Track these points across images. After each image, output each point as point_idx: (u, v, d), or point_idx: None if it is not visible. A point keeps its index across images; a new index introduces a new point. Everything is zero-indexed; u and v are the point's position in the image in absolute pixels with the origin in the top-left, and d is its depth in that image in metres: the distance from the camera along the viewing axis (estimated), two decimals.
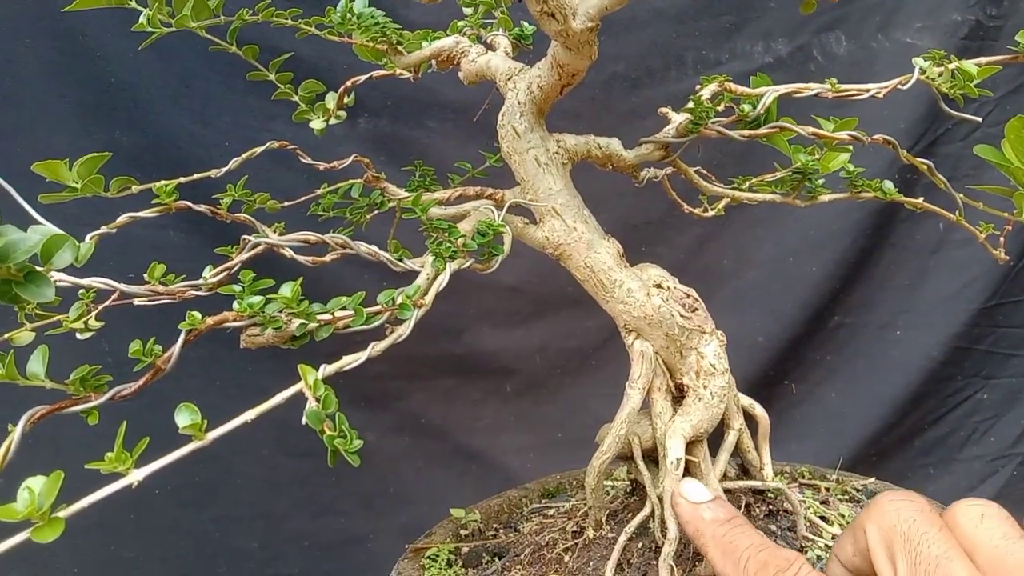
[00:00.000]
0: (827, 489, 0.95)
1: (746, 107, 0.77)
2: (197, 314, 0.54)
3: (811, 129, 0.77)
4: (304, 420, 0.50)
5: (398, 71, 0.87)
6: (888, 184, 0.84)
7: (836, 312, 1.69)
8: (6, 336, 0.64)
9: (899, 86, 0.75)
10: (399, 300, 0.59)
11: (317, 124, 0.87)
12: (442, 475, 1.64)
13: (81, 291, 0.61)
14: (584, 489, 0.81)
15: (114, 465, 0.45)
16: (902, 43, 1.55)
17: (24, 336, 0.63)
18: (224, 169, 0.80)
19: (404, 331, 0.59)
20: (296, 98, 0.86)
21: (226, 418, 0.48)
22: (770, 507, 0.81)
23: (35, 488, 0.41)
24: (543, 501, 1.01)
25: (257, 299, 0.56)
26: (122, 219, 0.69)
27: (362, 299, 0.58)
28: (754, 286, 1.65)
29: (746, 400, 0.83)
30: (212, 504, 1.55)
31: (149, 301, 0.60)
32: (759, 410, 0.84)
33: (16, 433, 0.45)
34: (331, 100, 0.87)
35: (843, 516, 0.87)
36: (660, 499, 0.75)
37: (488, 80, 0.80)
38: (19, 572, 1.46)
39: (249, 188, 0.82)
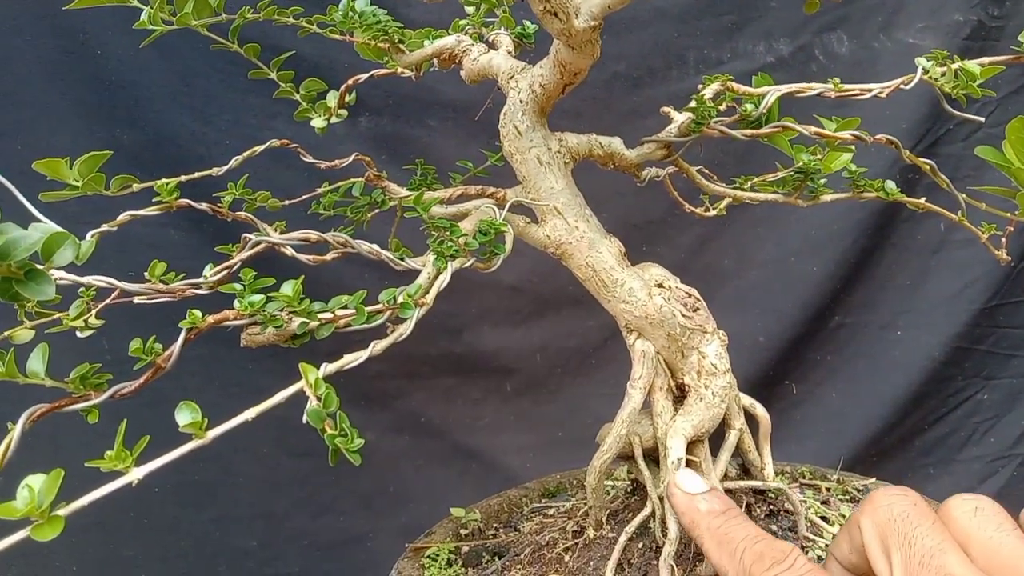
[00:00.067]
0: (828, 489, 0.95)
1: (748, 106, 0.77)
2: (197, 312, 0.54)
3: (813, 129, 0.77)
4: (305, 419, 0.50)
5: (399, 70, 0.87)
6: (890, 184, 0.84)
7: (837, 312, 1.69)
8: (6, 334, 0.64)
9: (902, 86, 0.74)
10: (400, 299, 0.59)
11: (318, 123, 0.87)
12: (442, 474, 1.64)
13: (81, 289, 0.61)
14: (584, 489, 0.81)
15: (114, 463, 0.45)
16: (904, 43, 1.55)
17: (24, 334, 0.63)
18: (225, 167, 0.80)
19: (405, 330, 0.59)
20: (297, 96, 0.86)
21: (226, 417, 0.48)
22: (771, 507, 0.81)
23: (35, 486, 0.41)
24: (543, 501, 1.01)
25: (258, 298, 0.56)
26: (123, 217, 0.69)
27: (363, 298, 0.58)
28: (755, 286, 1.65)
29: (747, 400, 0.83)
30: (212, 503, 1.55)
31: (149, 299, 0.60)
32: (760, 410, 0.84)
33: (16, 431, 0.45)
34: (332, 99, 0.87)
35: (844, 516, 0.87)
36: (661, 499, 0.75)
37: (490, 79, 0.80)
38: (18, 569, 1.46)
39: (250, 186, 0.82)
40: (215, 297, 0.62)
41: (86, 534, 1.48)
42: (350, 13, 0.76)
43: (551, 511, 0.95)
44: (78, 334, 0.65)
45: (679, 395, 0.79)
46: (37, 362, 0.53)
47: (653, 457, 0.79)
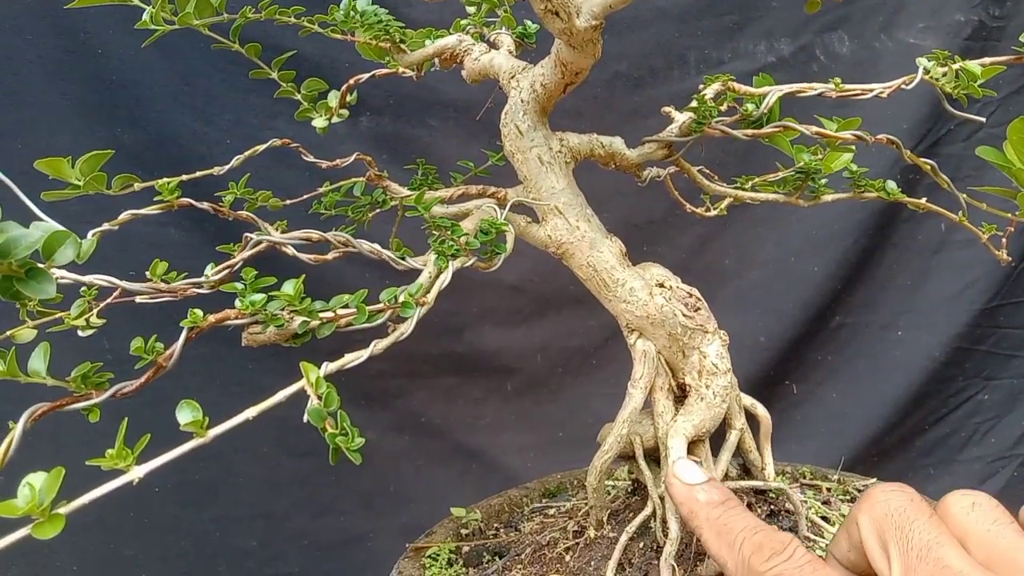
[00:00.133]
0: (828, 489, 0.95)
1: (749, 106, 0.77)
2: (199, 312, 0.54)
3: (815, 129, 0.77)
4: (306, 418, 0.50)
5: (401, 69, 0.87)
6: (891, 184, 0.84)
7: (838, 312, 1.69)
8: (8, 333, 0.64)
9: (903, 86, 0.74)
10: (401, 298, 0.59)
11: (319, 122, 0.87)
12: (443, 474, 1.64)
13: (83, 288, 0.61)
14: (585, 488, 0.81)
15: (115, 462, 0.45)
16: (905, 43, 1.55)
17: (25, 333, 0.63)
18: (226, 167, 0.80)
19: (406, 329, 0.59)
20: (298, 96, 0.86)
21: (227, 416, 0.48)
22: (772, 507, 0.81)
23: (36, 485, 0.41)
24: (544, 500, 1.01)
25: (259, 297, 0.56)
26: (124, 216, 0.69)
27: (364, 297, 0.58)
28: (756, 286, 1.65)
29: (748, 400, 0.83)
30: (212, 503, 1.55)
31: (151, 299, 0.60)
32: (761, 410, 0.84)
33: (17, 430, 0.45)
34: (333, 98, 0.87)
35: (844, 516, 0.87)
36: (662, 499, 0.75)
37: (491, 78, 0.80)
38: (19, 569, 1.46)
39: (251, 186, 0.82)
40: (216, 296, 0.62)
41: (86, 533, 1.48)
42: (351, 13, 0.76)
43: (552, 511, 0.95)
44: (79, 333, 0.65)
45: (680, 395, 0.79)
46: (38, 361, 0.53)
47: (654, 457, 0.79)
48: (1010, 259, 0.88)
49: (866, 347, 1.70)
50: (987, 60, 0.73)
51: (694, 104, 0.78)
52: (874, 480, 0.97)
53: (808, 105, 0.78)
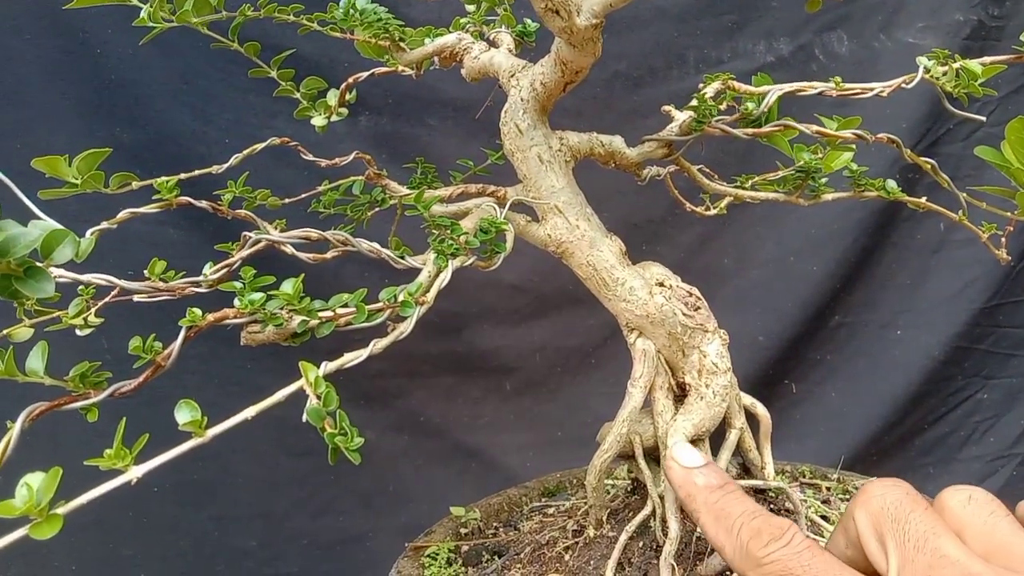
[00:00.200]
0: (828, 488, 0.95)
1: (749, 105, 0.77)
2: (197, 311, 0.53)
3: (814, 128, 0.77)
4: (305, 417, 0.50)
5: (400, 68, 0.87)
6: (891, 183, 0.84)
7: (837, 311, 1.69)
8: (5, 332, 0.63)
9: (903, 85, 0.74)
10: (401, 297, 0.59)
11: (318, 121, 0.86)
12: (442, 473, 1.64)
13: (81, 287, 0.61)
14: (585, 488, 0.81)
15: (113, 462, 0.45)
16: (904, 43, 1.55)
17: (23, 332, 0.63)
18: (225, 165, 0.80)
19: (405, 328, 0.59)
20: (297, 95, 0.86)
21: (225, 416, 0.48)
22: (771, 506, 0.81)
23: (33, 484, 0.41)
24: (543, 500, 1.01)
25: (258, 296, 0.56)
26: (122, 215, 0.69)
27: (364, 296, 0.58)
28: (756, 285, 1.65)
29: (747, 399, 0.83)
30: (211, 503, 1.55)
31: (149, 298, 0.60)
32: (760, 409, 0.84)
33: (15, 429, 0.45)
34: (332, 97, 0.87)
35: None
36: (661, 498, 0.75)
37: (491, 77, 0.80)
38: (17, 569, 1.46)
39: (250, 185, 0.82)
40: (215, 295, 0.62)
41: (85, 533, 1.48)
42: (351, 11, 0.76)
43: (551, 510, 0.95)
44: (77, 332, 0.64)
45: (680, 394, 0.79)
46: (36, 360, 0.53)
47: (654, 456, 0.79)
48: (1009, 258, 0.88)
49: (865, 346, 1.70)
50: (987, 59, 0.73)
51: (694, 103, 0.78)
52: (873, 479, 0.97)
53: (808, 104, 0.78)
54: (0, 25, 1.33)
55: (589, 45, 0.66)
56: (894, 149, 0.80)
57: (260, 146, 0.81)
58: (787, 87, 0.76)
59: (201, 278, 0.63)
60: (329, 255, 0.69)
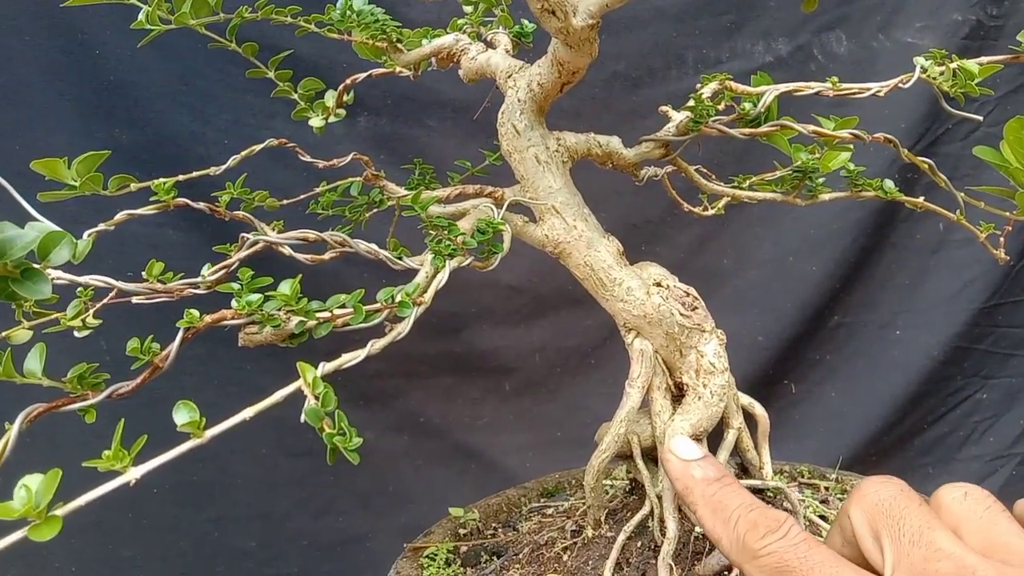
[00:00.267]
0: (826, 488, 0.95)
1: (747, 105, 0.77)
2: (195, 312, 0.53)
3: (812, 128, 0.77)
4: (303, 418, 0.50)
5: (398, 69, 0.87)
6: (889, 183, 0.84)
7: (836, 311, 1.69)
8: (3, 334, 0.64)
9: (900, 85, 0.74)
10: (398, 298, 0.59)
11: (316, 122, 0.87)
12: (441, 474, 1.64)
13: (79, 289, 0.61)
14: (583, 488, 0.81)
15: (112, 463, 0.45)
16: (903, 43, 1.55)
17: (21, 334, 0.63)
18: (223, 167, 0.80)
19: (403, 329, 0.59)
20: (295, 96, 0.86)
21: (224, 416, 0.48)
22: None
23: (32, 486, 0.41)
24: (542, 500, 1.01)
25: (256, 297, 0.56)
26: (120, 216, 0.69)
27: (361, 297, 0.58)
28: (754, 285, 1.65)
29: (745, 399, 0.83)
30: (210, 504, 1.55)
31: (147, 299, 0.60)
32: (759, 409, 0.84)
33: (13, 431, 0.45)
34: (330, 98, 0.87)
35: None
36: (659, 498, 0.75)
37: (488, 78, 0.80)
38: (17, 570, 1.46)
39: (248, 186, 0.82)
40: (213, 296, 0.62)
41: (85, 534, 1.48)
42: (348, 12, 0.76)
43: (550, 511, 0.95)
44: (76, 334, 0.65)
45: (678, 394, 0.79)
46: (34, 362, 0.53)
47: (652, 456, 0.79)
48: (1008, 258, 0.88)
49: (864, 346, 1.70)
50: (984, 59, 0.73)
51: (691, 103, 0.78)
52: (868, 477, 0.97)
53: (806, 104, 0.78)
54: None
55: (586, 46, 0.66)
56: (892, 149, 0.80)
57: (258, 147, 0.81)
58: (784, 87, 0.77)
59: (199, 279, 0.63)
60: (327, 256, 0.69)
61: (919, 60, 0.75)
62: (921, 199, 0.88)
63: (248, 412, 0.49)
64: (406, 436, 1.62)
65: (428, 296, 0.61)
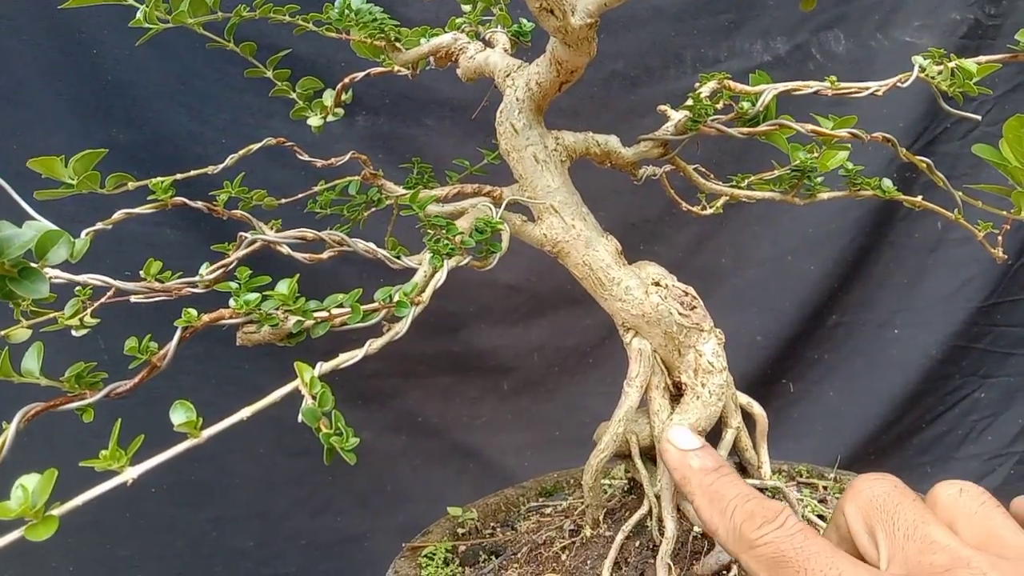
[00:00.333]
0: (825, 488, 0.95)
1: (745, 105, 0.77)
2: (193, 311, 0.53)
3: (810, 127, 0.77)
4: (300, 418, 0.50)
5: (396, 68, 0.87)
6: (887, 182, 0.84)
7: (834, 310, 1.69)
8: (1, 333, 0.63)
9: (898, 84, 0.74)
10: (396, 297, 0.59)
11: (315, 121, 0.86)
12: (439, 473, 1.64)
13: (77, 288, 0.61)
14: (582, 487, 0.81)
15: (109, 463, 0.45)
16: (901, 42, 1.55)
17: (19, 333, 0.63)
18: (221, 166, 0.80)
19: (401, 328, 0.59)
20: (294, 95, 0.86)
21: (221, 416, 0.48)
22: None
23: (29, 486, 0.41)
24: (540, 500, 1.01)
25: (253, 296, 0.56)
26: (118, 215, 0.69)
27: (359, 296, 0.58)
28: (752, 284, 1.65)
29: (744, 398, 0.83)
30: (208, 503, 1.55)
31: (145, 298, 0.60)
32: (757, 408, 0.84)
33: (11, 430, 0.45)
34: (329, 97, 0.87)
35: None
36: (658, 497, 0.75)
37: (486, 77, 0.80)
38: (14, 570, 1.46)
39: (246, 185, 0.82)
40: (211, 296, 0.62)
41: (82, 534, 1.48)
42: (346, 11, 0.76)
43: (548, 510, 0.95)
44: (73, 333, 0.64)
45: (676, 393, 0.79)
46: (32, 361, 0.53)
47: (650, 456, 0.79)
48: (1006, 257, 0.88)
49: (863, 345, 1.70)
50: (983, 58, 0.73)
51: (690, 102, 0.78)
52: (862, 474, 0.97)
53: (804, 103, 0.78)
54: None
55: (584, 44, 0.66)
56: (890, 148, 0.80)
57: (256, 146, 0.81)
58: (782, 86, 0.77)
59: (197, 278, 0.62)
60: (325, 255, 0.69)
61: (917, 59, 0.76)
62: (919, 198, 0.88)
63: (246, 412, 0.49)
64: (404, 436, 1.62)
65: (426, 296, 0.61)
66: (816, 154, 0.80)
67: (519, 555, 0.82)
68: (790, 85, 0.77)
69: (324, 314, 0.57)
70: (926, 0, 1.54)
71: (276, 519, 1.58)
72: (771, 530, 0.46)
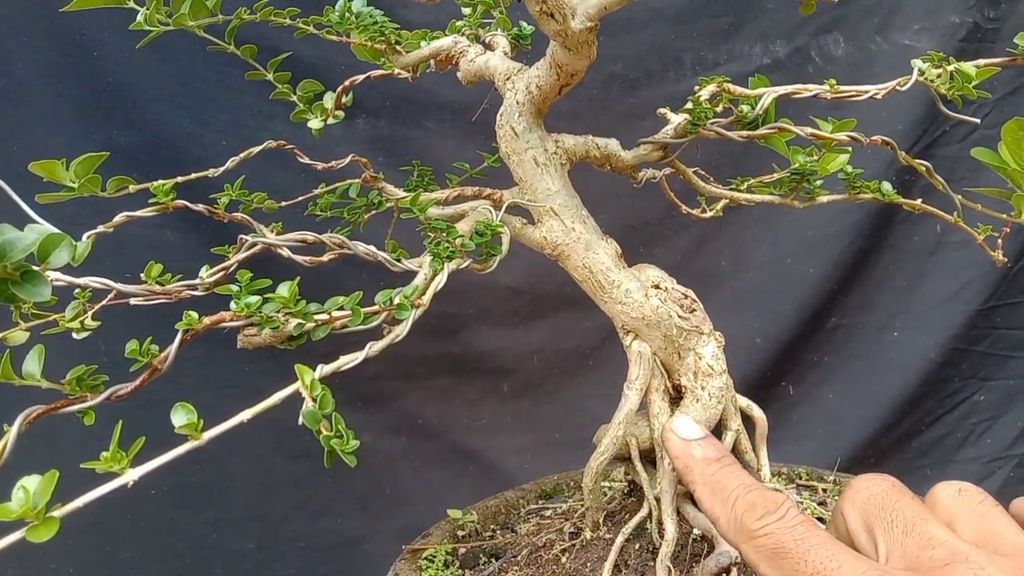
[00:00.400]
0: (824, 490, 0.95)
1: (745, 108, 0.77)
2: (194, 314, 0.53)
3: (810, 130, 0.77)
4: (301, 420, 0.50)
5: (396, 71, 0.87)
6: (886, 185, 0.84)
7: (834, 313, 1.69)
8: (2, 335, 0.63)
9: (898, 87, 0.75)
10: (397, 300, 0.59)
11: (315, 124, 0.87)
12: (439, 476, 1.64)
13: (77, 290, 0.61)
14: (582, 490, 0.81)
15: (110, 465, 0.45)
16: (900, 45, 1.55)
17: (20, 335, 0.63)
18: (222, 168, 0.80)
19: (401, 331, 0.59)
20: (294, 98, 0.86)
21: (222, 418, 0.48)
22: None
23: (30, 487, 0.41)
24: (540, 502, 1.01)
25: (254, 299, 0.56)
26: (119, 218, 0.69)
27: (360, 299, 0.58)
28: (752, 287, 1.65)
29: (744, 401, 0.83)
30: (208, 505, 1.55)
31: (146, 301, 0.60)
32: (757, 411, 0.84)
33: (12, 433, 0.45)
34: (329, 100, 0.87)
35: None
36: (658, 500, 0.75)
37: (486, 80, 0.80)
38: (14, 572, 1.46)
39: (247, 188, 0.82)
40: (211, 298, 0.62)
41: (82, 535, 1.48)
42: (347, 14, 0.76)
43: (548, 512, 0.95)
44: (74, 335, 0.64)
45: (676, 396, 0.79)
46: (33, 364, 0.53)
47: (650, 458, 0.79)
48: (1006, 260, 0.88)
49: (862, 348, 1.70)
50: (982, 61, 0.74)
51: (689, 106, 0.79)
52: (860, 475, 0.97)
53: (803, 106, 0.78)
54: None
55: (584, 48, 0.67)
56: (889, 151, 0.80)
57: (257, 149, 0.81)
58: (782, 90, 0.77)
59: (198, 281, 0.63)
60: (325, 258, 0.69)
61: (917, 63, 0.76)
62: (919, 201, 0.88)
63: (246, 414, 0.49)
64: (404, 438, 1.62)
65: (427, 298, 0.61)
66: (815, 157, 0.81)
67: (519, 557, 0.82)
68: (789, 88, 0.77)
69: (325, 317, 0.57)
70: (925, 3, 1.54)
71: (276, 521, 1.58)
72: (772, 521, 0.47)
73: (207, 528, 1.55)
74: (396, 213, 0.89)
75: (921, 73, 0.75)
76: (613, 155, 0.82)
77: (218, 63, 1.38)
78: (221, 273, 0.64)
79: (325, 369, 0.53)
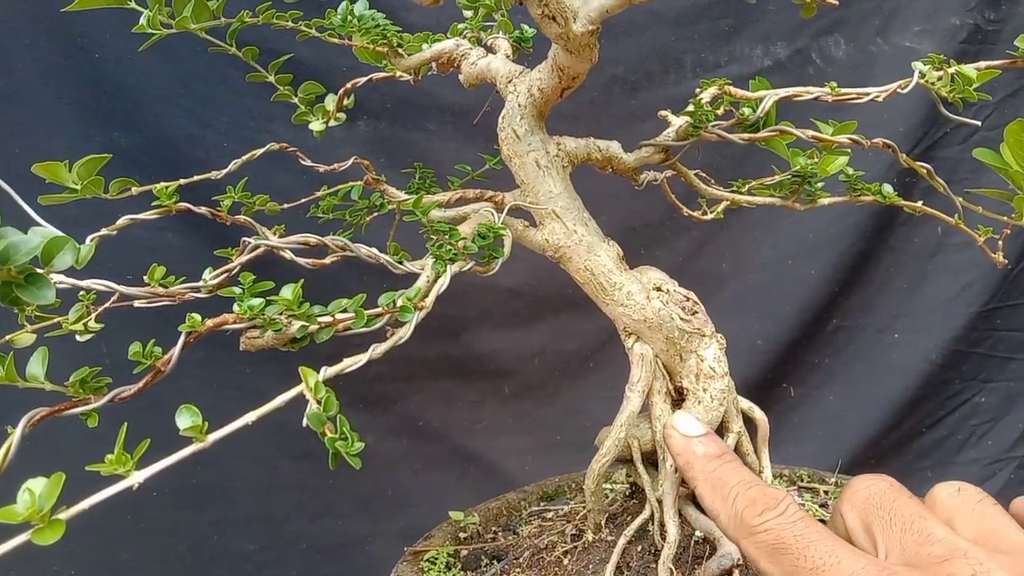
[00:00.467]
0: (826, 492, 0.95)
1: (746, 110, 0.77)
2: (197, 316, 0.54)
3: (810, 132, 0.77)
4: (305, 422, 0.50)
5: (398, 73, 0.87)
6: (887, 187, 0.84)
7: (834, 315, 1.69)
8: (6, 338, 0.64)
9: (899, 90, 0.75)
10: (400, 302, 0.59)
11: (317, 126, 0.87)
12: (441, 477, 1.64)
13: (81, 293, 0.61)
14: (583, 492, 0.81)
15: (115, 467, 0.45)
16: (901, 47, 1.55)
17: (24, 338, 0.63)
18: (224, 171, 0.80)
19: (404, 333, 0.59)
20: (296, 100, 0.86)
21: (224, 420, 0.48)
22: None
23: (35, 490, 0.41)
24: (542, 504, 1.01)
25: (257, 301, 0.56)
26: (122, 221, 0.69)
27: (362, 301, 0.58)
28: (753, 289, 1.65)
29: (745, 403, 0.83)
30: (210, 507, 1.55)
31: (149, 303, 0.60)
32: (758, 413, 0.84)
33: (16, 435, 0.45)
34: (331, 102, 0.87)
35: None
36: (660, 502, 0.75)
37: (488, 83, 0.80)
38: (16, 573, 1.46)
39: (249, 190, 0.82)
40: (214, 301, 0.62)
41: (84, 537, 1.48)
42: (349, 17, 0.76)
43: (550, 514, 0.95)
44: (78, 338, 0.65)
45: (677, 398, 0.79)
46: (37, 366, 0.53)
47: (651, 460, 0.79)
48: (1006, 262, 0.88)
49: (863, 350, 1.70)
50: (982, 64, 0.74)
51: (690, 108, 0.79)
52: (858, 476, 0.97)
53: (804, 109, 0.79)
54: None
55: (586, 51, 0.67)
56: (890, 153, 0.80)
57: (259, 151, 0.81)
58: (783, 92, 0.77)
59: (200, 283, 0.63)
60: (328, 260, 0.69)
61: (917, 65, 0.76)
62: (919, 203, 0.88)
63: (250, 416, 0.49)
64: (405, 440, 1.62)
65: (429, 301, 0.61)
66: (816, 159, 0.81)
67: (521, 559, 0.82)
68: (790, 91, 0.77)
69: (328, 319, 0.57)
70: (926, 5, 1.54)
71: (278, 523, 1.58)
72: (772, 517, 0.47)
73: (209, 529, 1.55)
74: (398, 215, 0.90)
75: (922, 75, 0.75)
76: (614, 157, 0.82)
77: (219, 65, 1.38)
78: (224, 276, 0.64)
79: (329, 371, 0.53)
